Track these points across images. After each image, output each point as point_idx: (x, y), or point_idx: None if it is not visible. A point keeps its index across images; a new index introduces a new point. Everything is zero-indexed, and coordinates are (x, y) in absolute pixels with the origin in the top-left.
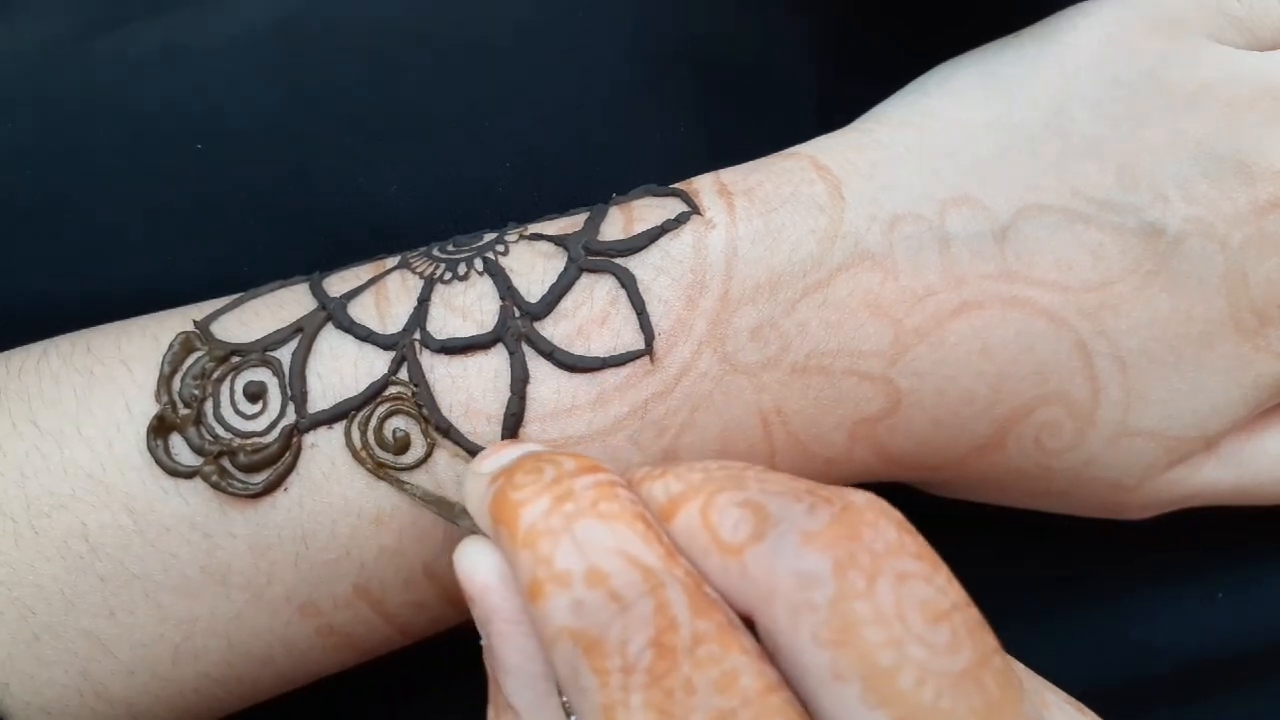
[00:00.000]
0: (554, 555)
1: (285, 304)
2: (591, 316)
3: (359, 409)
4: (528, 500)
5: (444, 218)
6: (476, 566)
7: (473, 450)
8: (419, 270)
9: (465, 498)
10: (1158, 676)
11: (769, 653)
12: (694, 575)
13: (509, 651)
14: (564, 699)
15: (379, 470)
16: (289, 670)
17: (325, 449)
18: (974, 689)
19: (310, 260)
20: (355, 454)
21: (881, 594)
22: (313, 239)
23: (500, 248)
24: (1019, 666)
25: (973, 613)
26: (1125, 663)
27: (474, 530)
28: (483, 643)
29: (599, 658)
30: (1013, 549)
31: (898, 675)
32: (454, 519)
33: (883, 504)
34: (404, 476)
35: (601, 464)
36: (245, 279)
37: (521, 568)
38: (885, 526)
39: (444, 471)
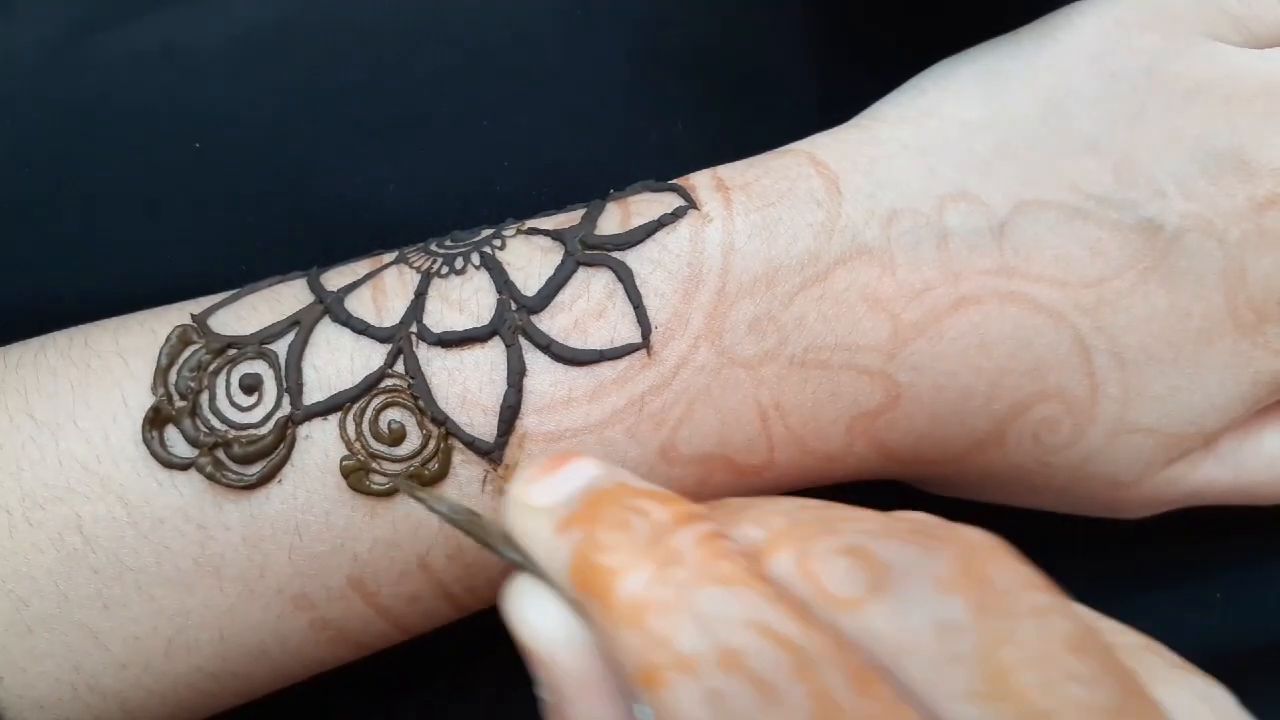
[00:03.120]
0: (673, 636)
1: (282, 298)
2: (588, 310)
3: (354, 401)
4: (624, 567)
5: (442, 216)
6: (541, 627)
7: (469, 442)
8: (416, 265)
9: (513, 531)
10: None
11: None
12: (844, 643)
13: None
14: None
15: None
16: (283, 664)
17: (320, 441)
18: (1132, 716)
19: (309, 259)
20: (349, 445)
21: (1025, 635)
22: (311, 238)
23: (497, 242)
24: (1132, 635)
25: (1101, 637)
26: None
27: (521, 564)
28: (547, 703)
29: None
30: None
31: None
32: (494, 547)
33: (988, 534)
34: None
35: (694, 506)
36: (244, 278)
37: (627, 649)
38: (1006, 560)
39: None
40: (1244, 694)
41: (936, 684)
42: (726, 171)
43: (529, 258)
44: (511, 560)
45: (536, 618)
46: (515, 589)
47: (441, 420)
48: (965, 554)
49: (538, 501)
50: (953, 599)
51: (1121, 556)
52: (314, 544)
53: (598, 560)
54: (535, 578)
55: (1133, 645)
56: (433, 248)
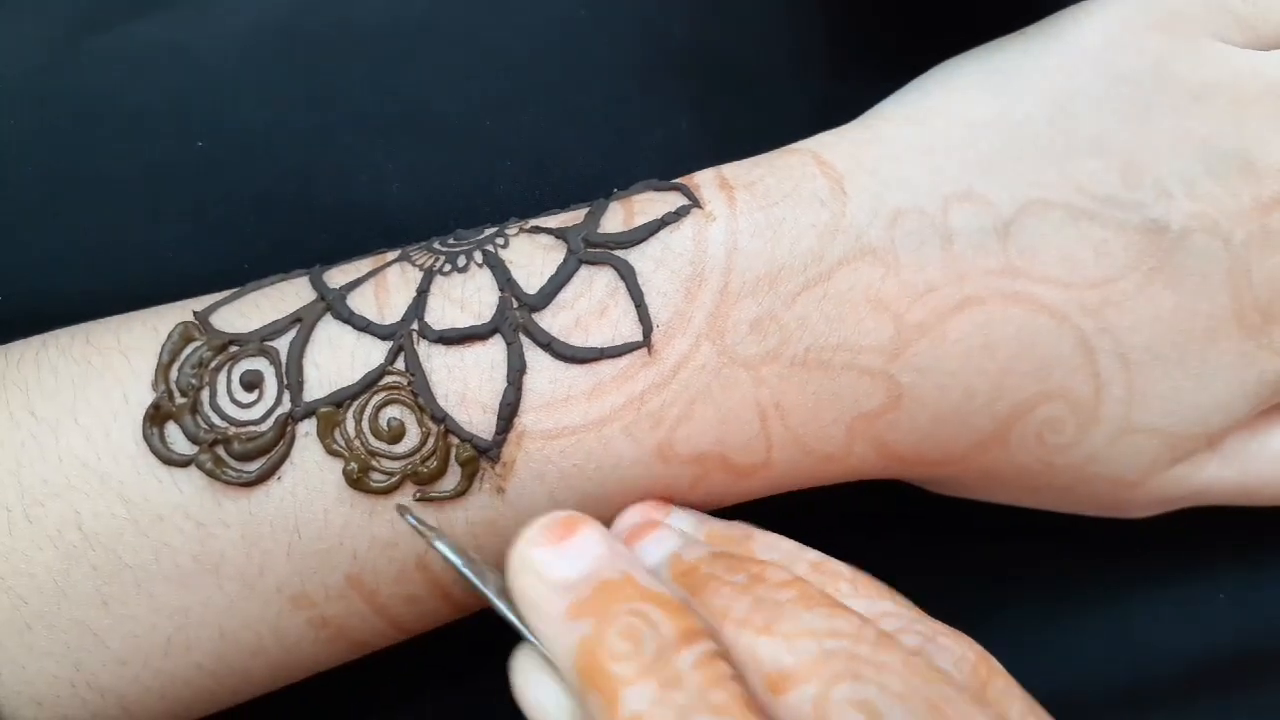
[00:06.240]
0: None
1: (285, 296)
2: (590, 308)
3: (355, 398)
4: (630, 679)
5: (445, 216)
6: (544, 706)
7: (468, 440)
8: (419, 262)
9: (516, 592)
10: (1160, 677)
11: None
12: None
13: None
14: None
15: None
16: (282, 663)
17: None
18: None
19: (311, 258)
20: (348, 442)
21: None
22: (314, 237)
23: (500, 240)
24: None
25: None
26: (1127, 663)
27: (510, 613)
28: None
29: None
30: (1015, 548)
31: None
32: (490, 598)
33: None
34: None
35: (694, 618)
36: (246, 277)
37: None
38: None
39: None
40: (1248, 694)
41: None
42: (731, 170)
43: (531, 256)
44: (504, 616)
45: (538, 695)
46: (521, 660)
47: (440, 417)
48: None
49: (548, 574)
50: None
51: (1125, 557)
52: (313, 542)
53: (607, 665)
54: (532, 648)
55: None
56: (436, 246)
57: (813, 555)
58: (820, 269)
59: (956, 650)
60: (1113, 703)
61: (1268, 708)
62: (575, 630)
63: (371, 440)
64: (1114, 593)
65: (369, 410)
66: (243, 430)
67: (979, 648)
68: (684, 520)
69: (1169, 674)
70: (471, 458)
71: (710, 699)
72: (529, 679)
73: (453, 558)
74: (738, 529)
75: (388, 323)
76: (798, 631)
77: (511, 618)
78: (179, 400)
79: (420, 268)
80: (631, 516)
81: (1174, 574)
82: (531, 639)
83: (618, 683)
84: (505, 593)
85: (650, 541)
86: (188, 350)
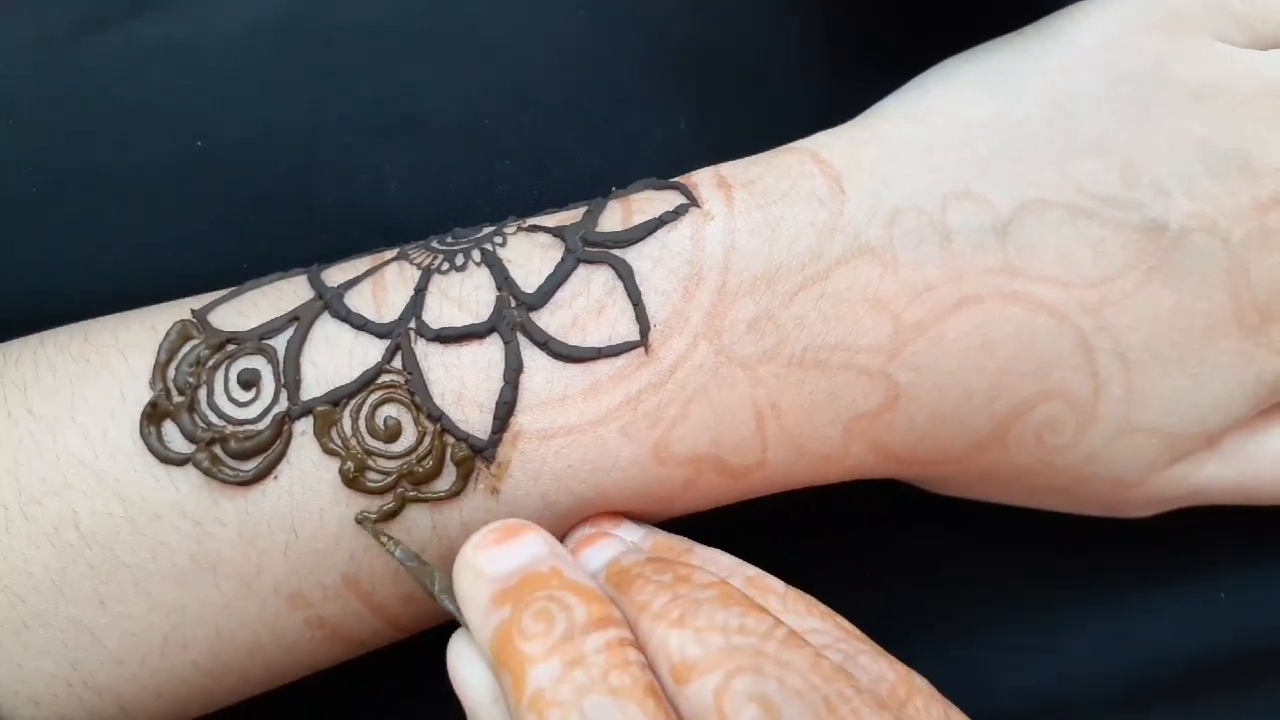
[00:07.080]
0: None
1: (283, 294)
2: (588, 307)
3: (352, 396)
4: (537, 658)
5: (445, 216)
6: (470, 683)
7: (463, 439)
8: (417, 261)
9: (458, 588)
10: (1159, 676)
11: None
12: None
13: None
14: None
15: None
16: (279, 662)
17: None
18: None
19: (310, 258)
20: (345, 441)
21: None
22: (313, 237)
23: (498, 239)
24: None
25: None
26: (1126, 663)
27: (452, 607)
28: None
29: None
30: (1013, 549)
31: None
32: (435, 596)
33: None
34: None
35: (611, 608)
36: (245, 277)
37: None
38: None
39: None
40: (1248, 694)
41: None
42: (729, 169)
43: (529, 254)
44: (449, 611)
45: (466, 673)
46: (456, 643)
47: (437, 416)
48: None
49: (484, 569)
50: None
51: (1124, 556)
52: (310, 541)
53: (517, 644)
54: (467, 633)
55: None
56: (434, 244)
57: (750, 570)
58: (818, 268)
59: (874, 669)
60: (1112, 703)
61: (1268, 708)
62: (496, 615)
63: (368, 439)
64: (1113, 593)
65: (366, 409)
66: (240, 429)
67: (902, 667)
68: (632, 532)
69: (1169, 674)
70: (467, 457)
71: (610, 681)
72: (460, 659)
73: (401, 557)
74: (681, 542)
75: (385, 321)
76: (708, 626)
77: (450, 608)
78: (176, 399)
79: (418, 266)
80: (583, 529)
81: (1173, 574)
82: (465, 625)
83: (525, 660)
84: (450, 589)
85: (595, 549)
86: (185, 348)
